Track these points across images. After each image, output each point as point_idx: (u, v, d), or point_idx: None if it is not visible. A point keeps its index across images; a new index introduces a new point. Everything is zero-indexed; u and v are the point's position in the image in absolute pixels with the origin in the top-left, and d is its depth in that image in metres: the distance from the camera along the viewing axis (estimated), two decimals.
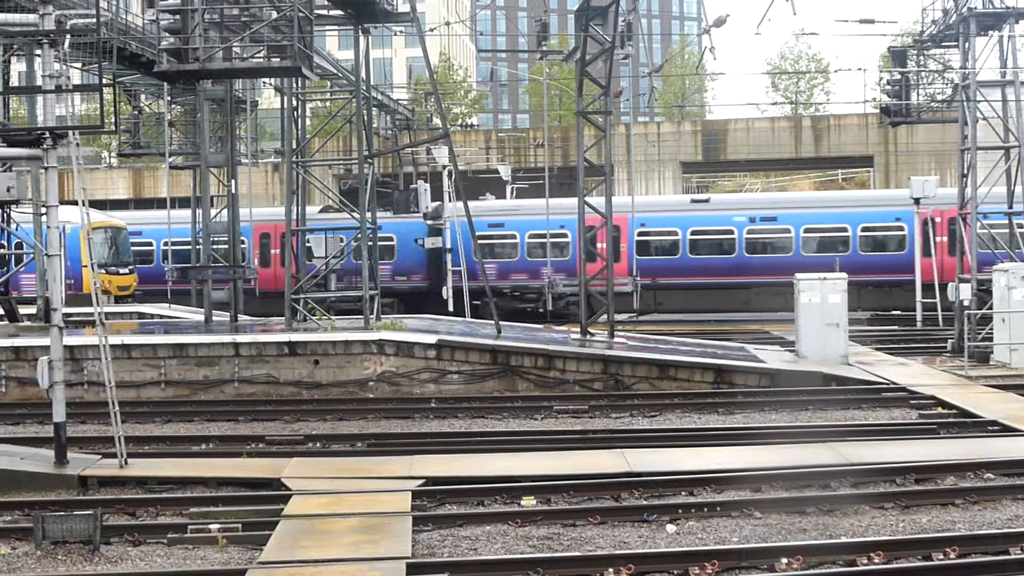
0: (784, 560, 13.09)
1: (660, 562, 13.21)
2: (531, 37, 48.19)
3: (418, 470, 17.64)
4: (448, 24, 56.37)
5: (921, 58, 37.16)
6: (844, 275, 29.69)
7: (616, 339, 30.94)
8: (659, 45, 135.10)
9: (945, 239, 43.26)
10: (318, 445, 21.16)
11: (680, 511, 15.45)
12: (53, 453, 18.03)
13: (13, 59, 31.78)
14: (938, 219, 43.41)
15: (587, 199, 32.46)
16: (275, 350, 27.88)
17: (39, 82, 19.47)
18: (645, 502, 16.05)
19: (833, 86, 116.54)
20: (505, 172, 58.53)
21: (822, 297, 28.63)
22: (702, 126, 74.41)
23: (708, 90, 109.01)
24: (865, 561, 13.17)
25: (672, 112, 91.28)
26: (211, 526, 14.74)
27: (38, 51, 19.97)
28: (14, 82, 39.48)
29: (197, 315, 36.82)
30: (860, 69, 67.12)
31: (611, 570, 12.85)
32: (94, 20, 19.28)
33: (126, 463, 17.92)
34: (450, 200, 44.52)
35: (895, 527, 14.80)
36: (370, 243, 32.05)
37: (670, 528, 14.80)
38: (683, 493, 16.51)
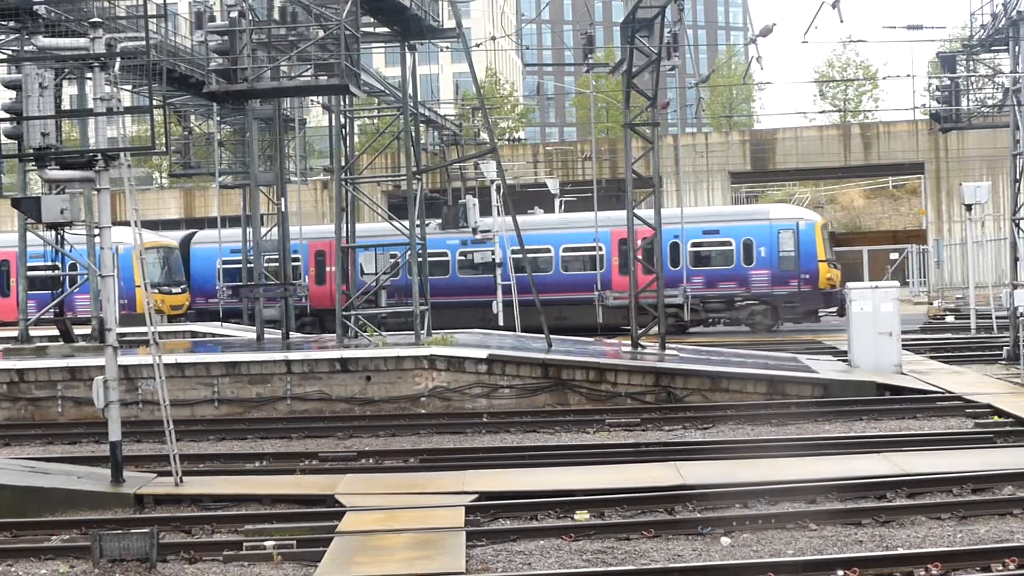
0: (840, 572, 12.99)
1: (713, 575, 13.16)
2: (577, 50, 48.18)
3: (471, 485, 17.64)
4: (494, 39, 56.57)
5: (970, 63, 36.93)
6: (896, 283, 29.48)
7: (667, 351, 30.84)
8: (705, 55, 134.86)
9: None
10: (371, 461, 21.20)
11: (734, 523, 15.36)
12: (109, 472, 18.17)
13: (65, 82, 32.16)
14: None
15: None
16: (327, 367, 27.97)
17: (91, 105, 19.69)
18: (699, 515, 15.96)
19: (882, 93, 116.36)
20: (553, 185, 58.53)
21: (874, 306, 28.43)
22: (750, 136, 74.17)
23: (755, 100, 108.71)
24: (923, 573, 13.05)
25: (720, 122, 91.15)
26: (266, 543, 14.80)
27: (89, 74, 20.24)
28: (66, 105, 39.93)
29: (249, 333, 37.04)
30: (909, 75, 66.76)
31: None
32: (144, 43, 19.49)
33: (181, 481, 18.04)
34: (498, 214, 44.59)
35: (952, 538, 14.66)
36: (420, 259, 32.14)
37: (725, 541, 14.73)
38: (737, 505, 16.43)
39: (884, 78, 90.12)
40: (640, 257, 33.50)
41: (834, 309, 47.01)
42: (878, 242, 75.86)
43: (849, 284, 29.71)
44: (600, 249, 45.74)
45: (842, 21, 35.22)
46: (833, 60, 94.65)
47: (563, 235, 46.88)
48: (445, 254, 46.90)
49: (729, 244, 45.66)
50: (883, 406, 25.10)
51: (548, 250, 46.40)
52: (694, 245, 45.87)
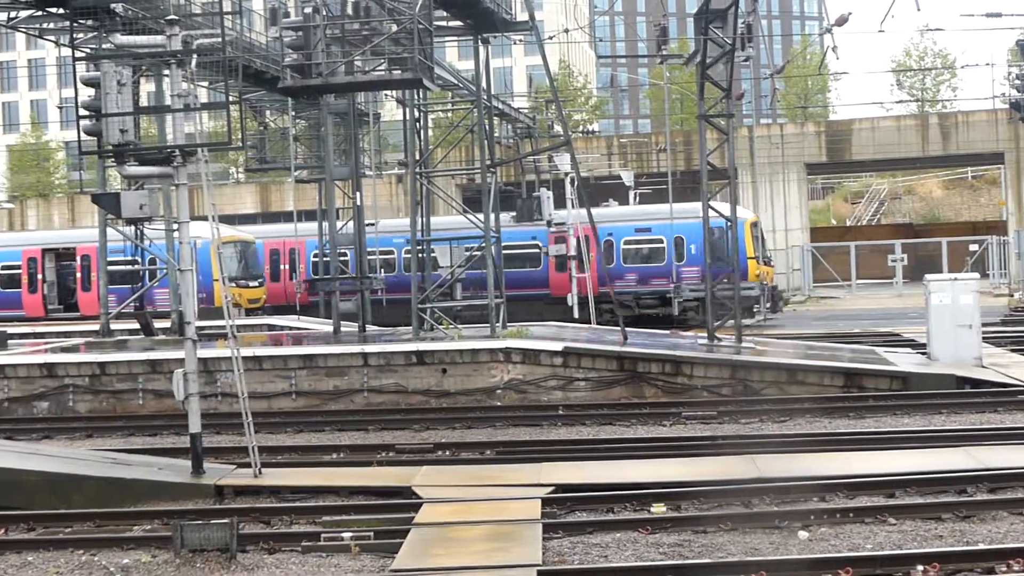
0: (920, 567, 12.87)
1: (793, 569, 13.05)
2: (650, 41, 48.13)
3: (547, 477, 17.66)
4: (567, 31, 56.24)
5: None
6: (975, 275, 29.11)
7: (744, 344, 30.67)
8: (780, 46, 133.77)
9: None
10: (447, 453, 21.28)
11: (812, 517, 15.25)
12: (190, 463, 18.39)
13: (143, 80, 32.51)
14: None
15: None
16: (403, 359, 28.12)
17: (168, 101, 19.89)
18: (776, 508, 15.87)
19: (960, 82, 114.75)
20: (628, 178, 58.37)
21: (953, 298, 28.07)
22: (826, 126, 73.46)
23: (831, 90, 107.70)
24: (1004, 568, 12.88)
25: (795, 113, 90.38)
26: (344, 534, 14.91)
27: (166, 71, 20.45)
28: (144, 102, 40.40)
29: (326, 326, 37.30)
30: (988, 64, 65.90)
31: None
32: (219, 40, 19.66)
33: (260, 473, 18.21)
34: (573, 207, 44.57)
35: None
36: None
37: (802, 535, 14.63)
38: (815, 499, 16.30)
39: (962, 67, 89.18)
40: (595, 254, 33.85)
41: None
42: (957, 233, 74.95)
43: (927, 276, 29.36)
44: (661, 242, 46.18)
45: (919, 9, 34.78)
46: (910, 49, 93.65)
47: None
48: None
49: (661, 242, 45.92)
50: (963, 399, 24.79)
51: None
52: (627, 242, 46.48)
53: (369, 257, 38.23)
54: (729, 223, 32.00)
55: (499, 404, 27.22)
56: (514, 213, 46.97)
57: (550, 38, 47.18)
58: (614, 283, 39.59)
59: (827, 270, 67.74)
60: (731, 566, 13.11)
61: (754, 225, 47.31)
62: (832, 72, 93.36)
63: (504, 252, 36.16)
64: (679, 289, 44.40)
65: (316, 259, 45.34)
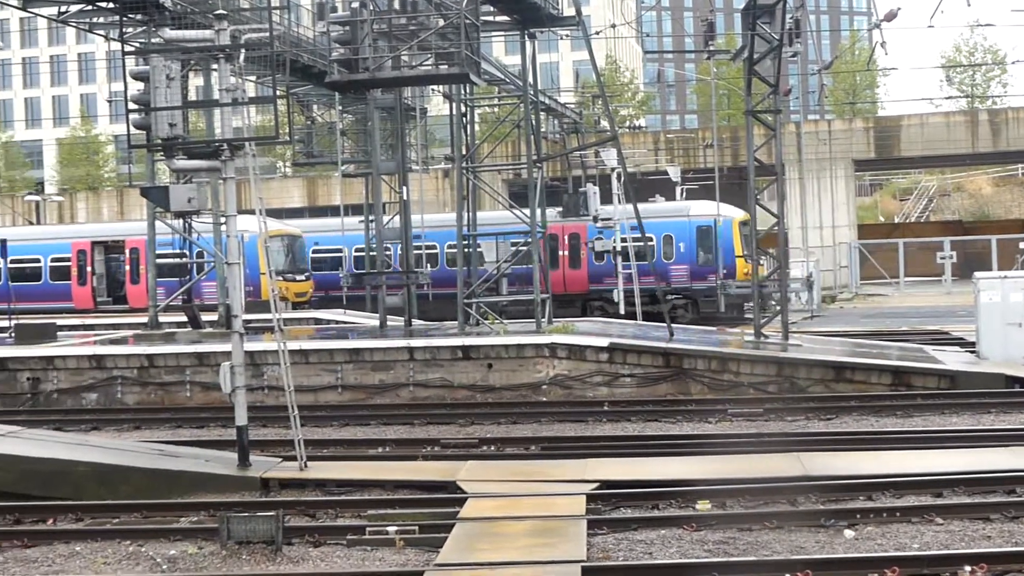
0: (967, 568, 12.75)
1: (839, 568, 12.99)
2: (697, 37, 47.93)
3: (592, 473, 17.63)
4: (614, 26, 56.32)
5: None
6: None
7: (790, 341, 30.52)
8: (828, 41, 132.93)
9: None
10: (492, 448, 21.30)
11: (858, 516, 15.16)
12: (236, 456, 18.48)
13: (191, 74, 32.67)
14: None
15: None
16: (449, 354, 28.16)
17: (216, 96, 19.99)
18: (822, 507, 15.79)
19: (1010, 78, 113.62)
20: (674, 173, 58.16)
21: (1003, 296, 27.82)
22: (874, 123, 72.97)
23: (880, 86, 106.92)
24: None
25: (843, 109, 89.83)
26: (389, 528, 14.95)
27: (215, 66, 20.53)
28: (192, 96, 40.52)
29: (372, 320, 37.39)
30: None
31: (787, 575, 12.68)
32: (267, 34, 19.74)
33: (306, 466, 18.28)
34: (619, 202, 44.49)
35: None
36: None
37: (848, 533, 14.55)
38: (861, 498, 16.20)
39: (1013, 63, 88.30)
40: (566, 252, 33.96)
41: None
42: (1007, 231, 74.18)
43: (977, 274, 29.11)
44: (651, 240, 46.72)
45: (969, 4, 34.47)
46: (960, 44, 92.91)
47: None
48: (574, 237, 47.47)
49: (650, 240, 45.80)
50: (1012, 399, 24.56)
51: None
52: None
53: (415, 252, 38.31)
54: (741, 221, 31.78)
55: (544, 400, 27.24)
56: (560, 208, 46.89)
57: (597, 33, 46.98)
58: (603, 281, 39.78)
59: (875, 267, 67.26)
60: (776, 564, 13.04)
61: (743, 224, 47.35)
62: (880, 68, 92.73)
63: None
64: (725, 285, 44.19)
65: (361, 253, 45.53)
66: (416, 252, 39.91)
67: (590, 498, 16.22)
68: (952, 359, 28.33)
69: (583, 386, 27.67)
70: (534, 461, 19.54)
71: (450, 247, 46.19)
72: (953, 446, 19.49)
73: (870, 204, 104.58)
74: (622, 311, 42.85)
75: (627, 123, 79.84)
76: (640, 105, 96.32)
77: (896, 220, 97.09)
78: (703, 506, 16.01)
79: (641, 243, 36.15)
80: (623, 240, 43.56)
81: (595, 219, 44.47)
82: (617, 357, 27.75)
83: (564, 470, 18.14)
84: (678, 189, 58.24)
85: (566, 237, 47.52)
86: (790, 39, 30.82)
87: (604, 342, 27.94)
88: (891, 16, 35.05)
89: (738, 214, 48.24)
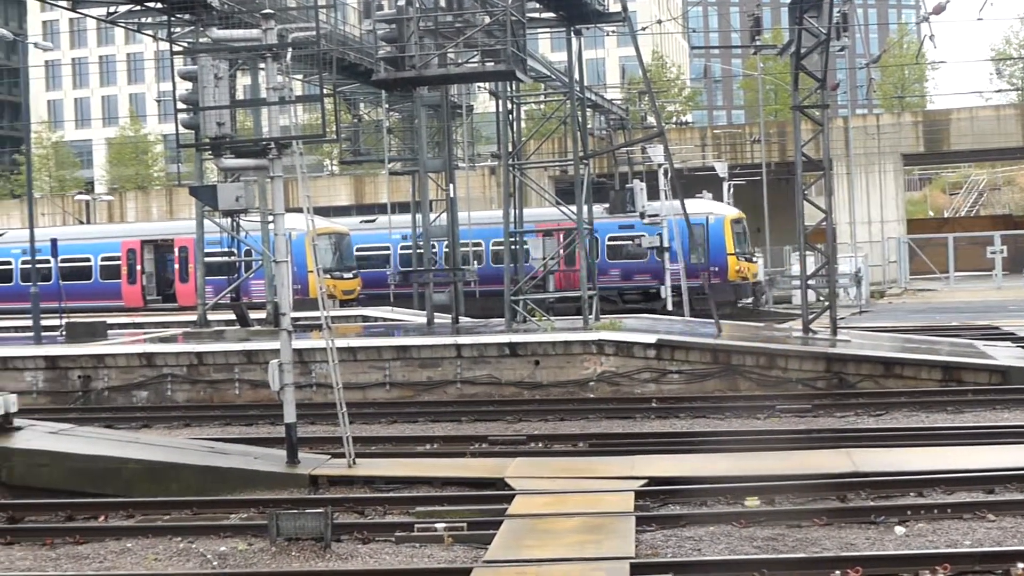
0: (1020, 565, 12.61)
1: (889, 565, 12.90)
2: (744, 32, 47.66)
3: (640, 470, 17.59)
4: (660, 22, 56.09)
5: None
6: None
7: (839, 336, 30.33)
8: (876, 35, 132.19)
9: None
10: (540, 445, 21.29)
11: (909, 513, 15.03)
12: (285, 453, 18.55)
13: (239, 73, 32.87)
14: None
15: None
16: (496, 351, 28.18)
17: (263, 94, 20.07)
18: (872, 503, 15.69)
19: None
20: (721, 169, 57.99)
21: None
22: (923, 116, 72.37)
23: (928, 79, 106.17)
24: None
25: (891, 103, 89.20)
26: (437, 525, 14.98)
27: (262, 65, 20.63)
28: (240, 95, 40.71)
29: (419, 317, 37.46)
30: None
31: (838, 572, 12.58)
32: (314, 33, 19.81)
33: (354, 463, 18.33)
34: (666, 199, 44.40)
35: None
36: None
37: (899, 530, 14.44)
38: (912, 494, 16.08)
39: None
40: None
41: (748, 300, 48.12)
42: None
43: None
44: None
45: None
46: (1010, 37, 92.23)
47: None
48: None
49: (642, 238, 45.74)
50: None
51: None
52: (611, 239, 46.83)
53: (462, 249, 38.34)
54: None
55: (592, 396, 27.20)
56: (607, 205, 46.82)
57: (643, 29, 46.98)
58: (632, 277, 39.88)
59: (924, 262, 66.76)
60: (826, 561, 12.96)
61: (736, 222, 47.32)
62: (929, 61, 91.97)
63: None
64: (773, 282, 44.12)
65: (407, 251, 45.62)
66: (462, 249, 39.94)
67: (638, 495, 16.18)
68: (1003, 354, 28.08)
69: (631, 383, 27.61)
70: (582, 458, 19.51)
71: (496, 244, 46.26)
72: (1005, 442, 19.31)
73: (919, 199, 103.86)
74: (669, 307, 42.74)
75: (674, 119, 79.57)
76: (687, 101, 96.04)
77: (945, 215, 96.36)
78: (752, 502, 15.94)
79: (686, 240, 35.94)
80: (614, 238, 43.83)
81: (642, 215, 44.37)
82: (665, 353, 27.66)
83: (612, 467, 18.11)
84: (725, 185, 58.07)
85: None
86: (838, 33, 30.60)
87: (652, 338, 27.86)
88: (939, 9, 34.74)
89: (731, 212, 48.31)
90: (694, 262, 44.19)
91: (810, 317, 31.44)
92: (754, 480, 16.77)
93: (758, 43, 36.50)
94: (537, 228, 38.03)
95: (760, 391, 26.58)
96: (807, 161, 32.72)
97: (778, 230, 62.69)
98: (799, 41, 30.85)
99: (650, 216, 44.28)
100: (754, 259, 48.52)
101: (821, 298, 32.12)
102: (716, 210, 48.13)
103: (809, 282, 31.94)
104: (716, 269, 45.56)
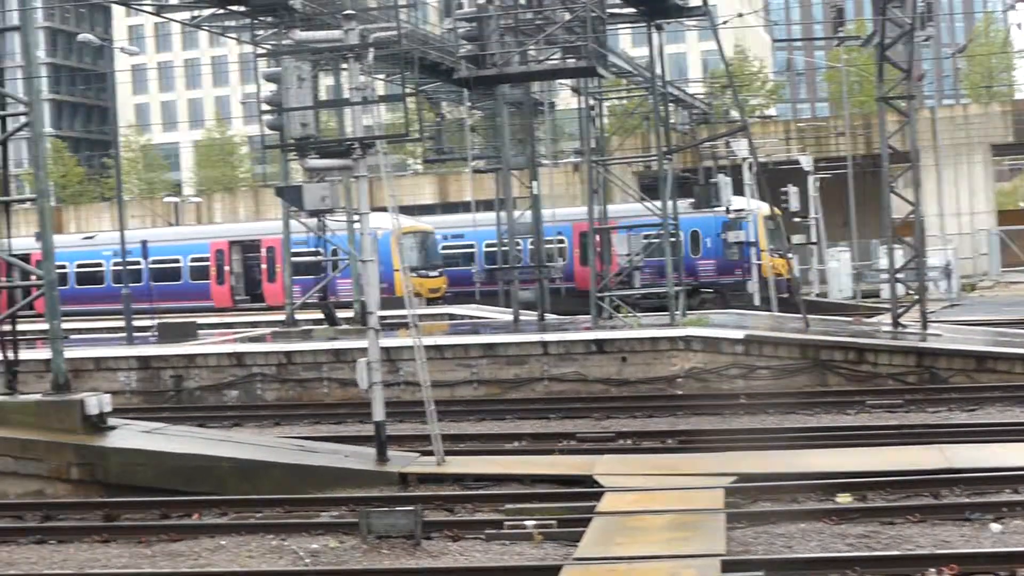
0: None
1: (985, 562, 12.69)
2: (826, 24, 47.15)
3: (730, 467, 17.47)
4: (741, 15, 55.55)
5: None
6: None
7: (929, 330, 29.95)
8: (962, 24, 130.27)
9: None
10: (628, 442, 21.24)
11: (1005, 509, 14.80)
12: (374, 451, 18.66)
13: (321, 74, 33.10)
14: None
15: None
16: (582, 348, 28.15)
17: (346, 95, 20.18)
18: (966, 500, 15.46)
19: None
20: (806, 162, 57.46)
21: None
22: (1012, 106, 71.16)
23: (1016, 68, 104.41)
24: None
25: (979, 93, 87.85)
26: (526, 522, 14.98)
27: (344, 65, 20.75)
28: (323, 96, 40.99)
29: (505, 315, 37.51)
30: None
31: (933, 570, 12.44)
32: (395, 33, 19.89)
33: (443, 460, 18.38)
34: (751, 193, 44.10)
35: None
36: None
37: (995, 527, 14.22)
38: (1007, 490, 15.83)
39: None
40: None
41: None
42: None
43: None
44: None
45: None
46: None
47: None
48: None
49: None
50: None
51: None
52: (644, 237, 45.67)
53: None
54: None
55: (680, 392, 27.07)
56: (692, 200, 46.61)
57: (724, 23, 46.52)
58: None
59: (1016, 254, 65.72)
60: (921, 559, 12.80)
61: (768, 218, 46.45)
62: (1017, 50, 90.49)
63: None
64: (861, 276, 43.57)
65: (492, 248, 45.66)
66: (547, 246, 39.93)
67: (728, 491, 16.06)
68: None
69: (719, 379, 27.46)
70: (671, 455, 19.44)
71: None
72: None
73: (1010, 190, 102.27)
74: (756, 302, 42.44)
75: (757, 112, 79.00)
76: (770, 94, 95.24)
77: None
78: (843, 499, 15.79)
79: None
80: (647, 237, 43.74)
81: (727, 210, 44.11)
82: (753, 349, 27.48)
83: (701, 463, 18.02)
84: (810, 178, 57.52)
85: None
86: (922, 23, 30.22)
87: (740, 334, 27.70)
88: None
89: (764, 208, 47.58)
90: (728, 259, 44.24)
91: (899, 311, 31.06)
92: (845, 476, 16.60)
93: (841, 35, 36.18)
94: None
95: (850, 386, 26.31)
96: (893, 153, 32.31)
97: (864, 224, 61.96)
98: (883, 32, 30.50)
99: (734, 211, 43.99)
100: (789, 255, 47.95)
101: (910, 292, 31.72)
102: (751, 207, 47.52)
103: (898, 276, 31.55)
104: (748, 265, 45.16)
